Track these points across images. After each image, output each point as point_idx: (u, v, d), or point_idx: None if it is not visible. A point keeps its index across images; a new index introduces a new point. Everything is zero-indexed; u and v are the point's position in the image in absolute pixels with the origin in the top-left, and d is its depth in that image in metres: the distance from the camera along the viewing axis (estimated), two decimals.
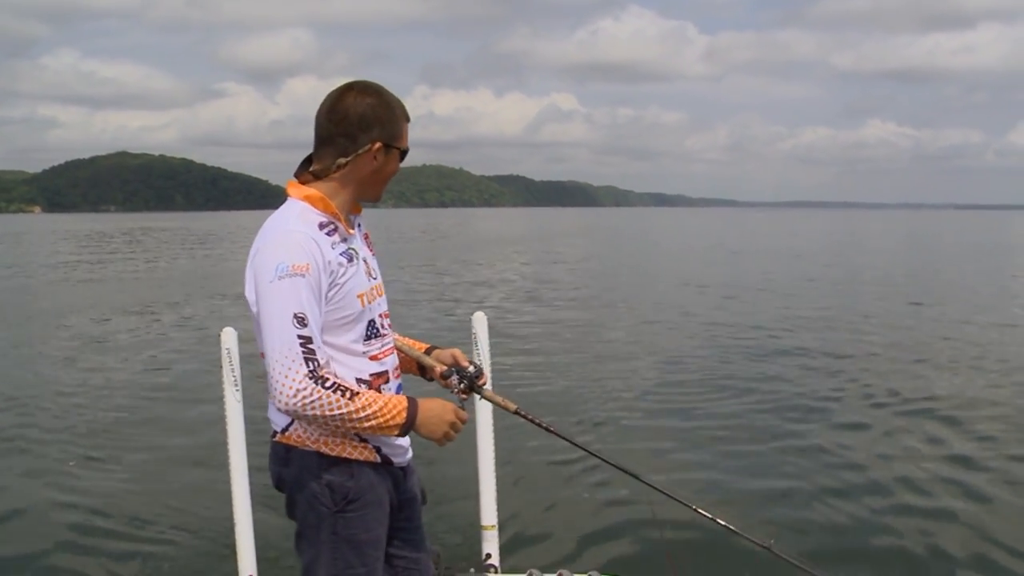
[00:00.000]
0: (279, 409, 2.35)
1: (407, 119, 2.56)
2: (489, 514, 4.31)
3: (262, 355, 2.48)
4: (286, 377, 2.28)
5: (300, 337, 2.29)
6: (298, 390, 2.27)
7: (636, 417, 8.19)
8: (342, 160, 2.47)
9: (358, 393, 2.35)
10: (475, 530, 4.40)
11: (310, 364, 2.29)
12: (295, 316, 2.29)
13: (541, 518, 5.34)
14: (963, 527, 5.42)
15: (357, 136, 2.46)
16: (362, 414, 2.33)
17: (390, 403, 2.40)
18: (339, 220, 2.47)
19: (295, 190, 2.50)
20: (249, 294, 2.40)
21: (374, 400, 2.37)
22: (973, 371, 10.51)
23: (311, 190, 2.47)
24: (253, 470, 3.92)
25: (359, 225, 2.63)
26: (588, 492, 5.72)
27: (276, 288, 2.30)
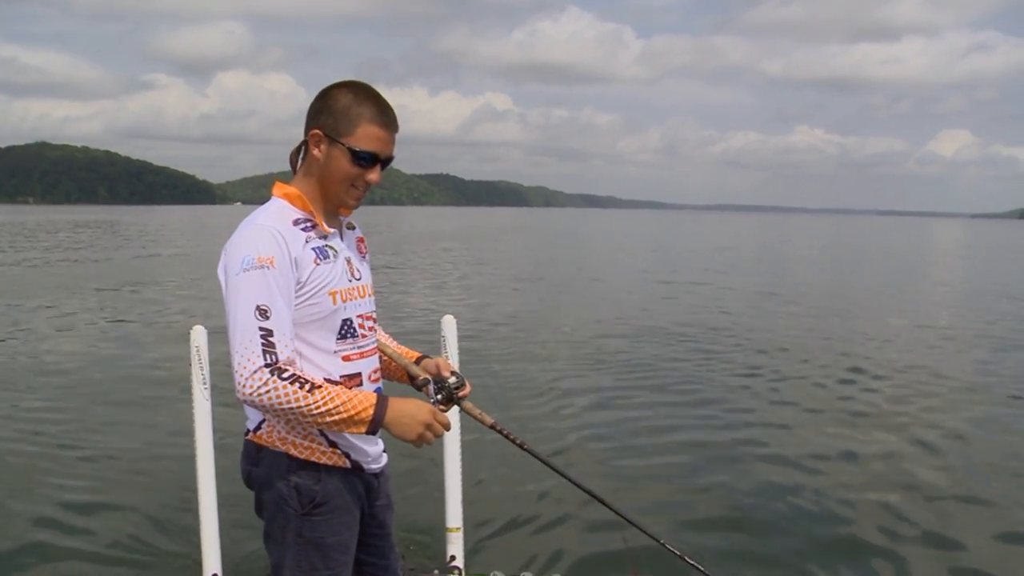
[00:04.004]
0: (239, 399, 2.33)
1: (381, 124, 2.43)
2: (454, 516, 4.33)
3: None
4: (244, 368, 2.27)
5: (261, 329, 2.28)
6: (252, 380, 2.26)
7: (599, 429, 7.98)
8: (294, 149, 2.51)
9: (319, 387, 2.31)
10: (440, 532, 4.42)
11: (268, 356, 2.27)
12: (257, 308, 2.29)
13: (506, 521, 5.30)
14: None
15: (308, 124, 2.46)
16: (322, 408, 2.29)
17: (355, 399, 2.35)
18: (315, 217, 2.46)
19: (278, 189, 2.50)
20: (223, 287, 2.40)
21: (336, 395, 2.32)
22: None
23: (291, 188, 2.48)
24: (219, 468, 3.90)
25: (354, 227, 2.64)
26: (554, 496, 5.66)
27: (241, 280, 2.30)
